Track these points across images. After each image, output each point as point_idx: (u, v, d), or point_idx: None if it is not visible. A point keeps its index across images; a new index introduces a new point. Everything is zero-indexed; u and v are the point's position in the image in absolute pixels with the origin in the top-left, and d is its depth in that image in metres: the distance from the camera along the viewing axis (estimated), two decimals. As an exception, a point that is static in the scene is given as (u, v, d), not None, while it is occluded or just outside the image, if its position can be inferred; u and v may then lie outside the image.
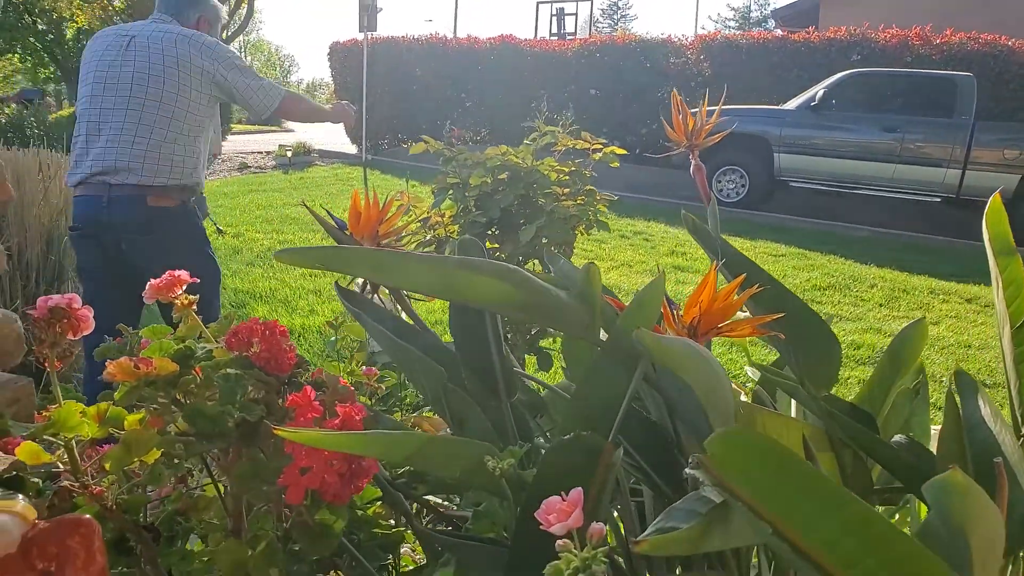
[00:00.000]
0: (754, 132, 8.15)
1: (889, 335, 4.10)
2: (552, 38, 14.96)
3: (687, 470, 0.46)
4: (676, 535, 0.44)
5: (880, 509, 1.01)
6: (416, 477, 1.09)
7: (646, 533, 0.45)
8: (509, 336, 1.96)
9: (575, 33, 16.58)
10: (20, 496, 0.58)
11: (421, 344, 1.01)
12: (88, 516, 0.53)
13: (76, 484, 0.68)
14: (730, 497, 0.44)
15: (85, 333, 0.75)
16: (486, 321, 0.99)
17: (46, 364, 0.72)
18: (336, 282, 1.12)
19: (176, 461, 0.81)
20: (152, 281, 0.81)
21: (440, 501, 1.18)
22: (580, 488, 0.51)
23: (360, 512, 1.08)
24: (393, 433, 0.66)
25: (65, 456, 0.70)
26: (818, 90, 8.03)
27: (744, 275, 0.88)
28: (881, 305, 4.76)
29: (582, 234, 2.00)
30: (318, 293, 4.52)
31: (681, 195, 8.69)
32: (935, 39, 9.01)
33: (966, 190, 7.36)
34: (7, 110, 8.67)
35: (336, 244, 1.08)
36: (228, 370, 0.67)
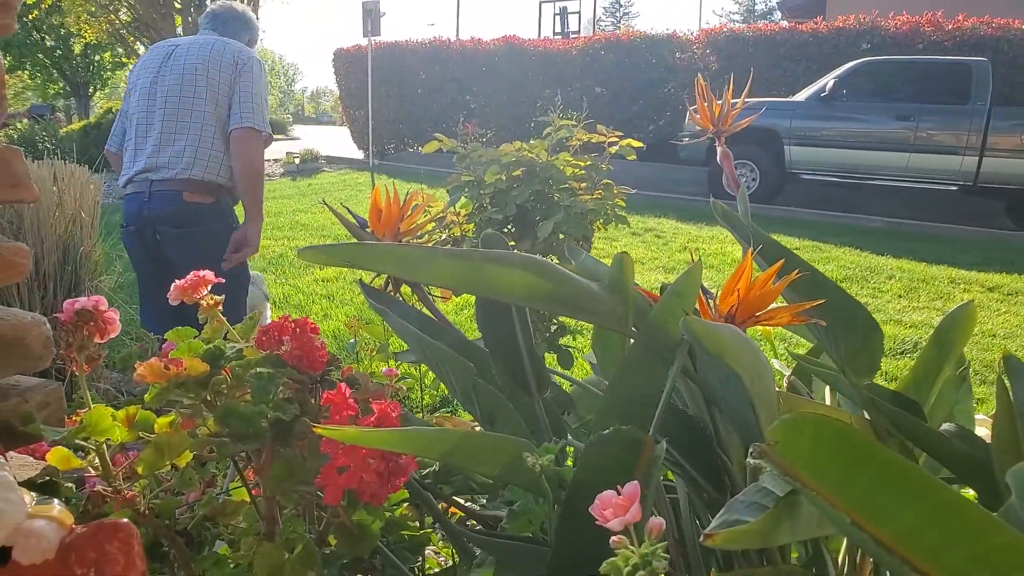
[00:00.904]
0: (764, 125, 8.07)
1: (909, 326, 4.04)
2: (556, 37, 14.95)
3: (749, 459, 0.44)
4: (747, 528, 0.42)
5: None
6: (441, 478, 1.08)
7: (712, 526, 0.43)
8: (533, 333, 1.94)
9: (579, 32, 16.55)
10: (56, 501, 0.56)
11: (448, 341, 0.99)
12: (127, 520, 0.51)
13: (109, 489, 0.67)
14: (800, 487, 0.41)
15: (112, 336, 0.73)
16: (513, 316, 0.97)
17: (74, 367, 0.70)
18: (360, 279, 1.10)
19: (205, 465, 0.79)
20: (177, 282, 0.80)
21: (462, 503, 1.16)
22: (637, 482, 0.49)
23: (389, 514, 1.06)
24: (430, 429, 0.64)
25: (95, 461, 0.69)
26: (828, 81, 7.96)
27: (782, 261, 0.85)
28: (900, 296, 4.70)
29: (600, 228, 1.98)
30: (331, 298, 4.51)
31: (689, 191, 8.64)
32: (947, 25, 8.91)
33: (983, 177, 7.27)
34: (19, 126, 8.74)
35: (358, 241, 1.07)
36: (260, 369, 0.65)
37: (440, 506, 1.06)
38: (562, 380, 1.25)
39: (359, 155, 12.90)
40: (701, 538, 0.42)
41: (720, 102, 1.15)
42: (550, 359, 2.07)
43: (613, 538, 0.48)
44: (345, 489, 0.64)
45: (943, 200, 7.71)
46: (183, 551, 0.71)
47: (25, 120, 8.94)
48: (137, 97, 2.24)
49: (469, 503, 1.16)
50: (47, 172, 2.39)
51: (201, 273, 0.80)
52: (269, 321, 2.55)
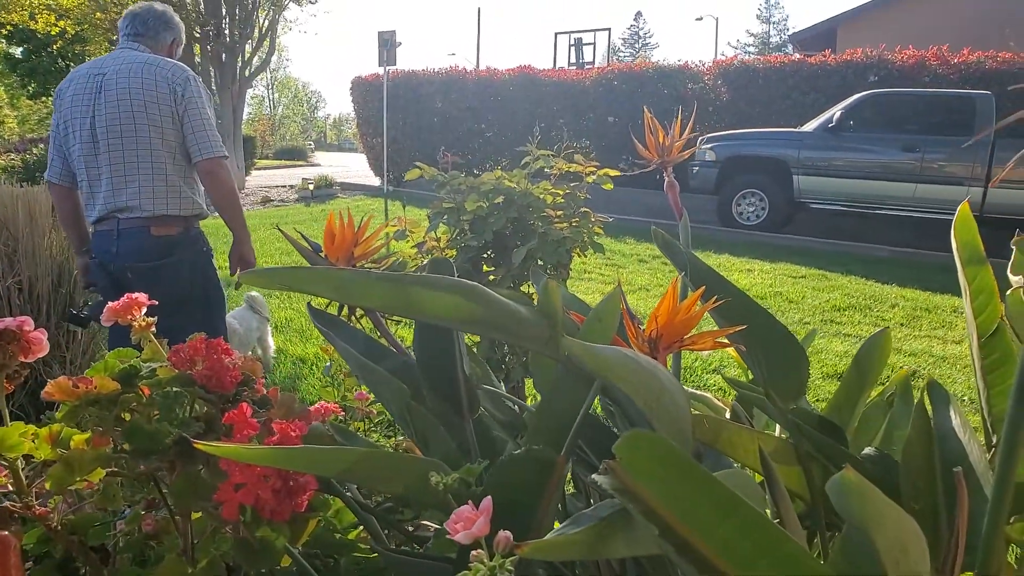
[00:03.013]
0: (772, 155, 8.12)
1: (910, 354, 4.00)
2: (571, 68, 15.12)
3: (593, 476, 0.45)
4: (566, 538, 0.43)
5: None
6: (402, 502, 1.08)
7: (545, 538, 0.44)
8: (508, 359, 1.95)
9: (594, 63, 16.73)
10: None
11: (389, 364, 1.01)
12: (5, 533, 0.53)
13: (19, 504, 0.69)
14: (626, 499, 0.43)
15: (39, 356, 0.76)
16: (451, 339, 0.99)
17: (-4, 384, 0.73)
18: (309, 303, 1.12)
19: (132, 484, 0.81)
20: (109, 304, 0.82)
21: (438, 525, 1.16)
22: (490, 497, 0.50)
23: (339, 536, 1.07)
24: (325, 448, 0.65)
25: (10, 478, 0.71)
26: (836, 112, 7.99)
27: (704, 287, 0.86)
28: (902, 324, 4.66)
29: (578, 255, 2.00)
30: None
31: (701, 219, 8.64)
32: (952, 59, 8.94)
33: (989, 207, 7.23)
34: (35, 150, 8.96)
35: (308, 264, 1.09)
36: (169, 387, 0.67)
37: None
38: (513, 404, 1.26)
39: (375, 181, 13.07)
40: (513, 548, 0.43)
41: (668, 134, 1.17)
42: (529, 382, 2.08)
43: (472, 552, 0.49)
44: (249, 505, 0.65)
45: (949, 230, 7.64)
46: (96, 567, 0.72)
47: (42, 145, 9.17)
48: (77, 135, 2.15)
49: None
50: (44, 196, 2.45)
51: (134, 295, 0.83)
52: (271, 342, 2.57)
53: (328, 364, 1.86)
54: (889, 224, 7.95)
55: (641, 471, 0.45)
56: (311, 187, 11.77)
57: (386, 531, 1.06)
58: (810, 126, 8.28)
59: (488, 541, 0.48)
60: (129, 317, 0.83)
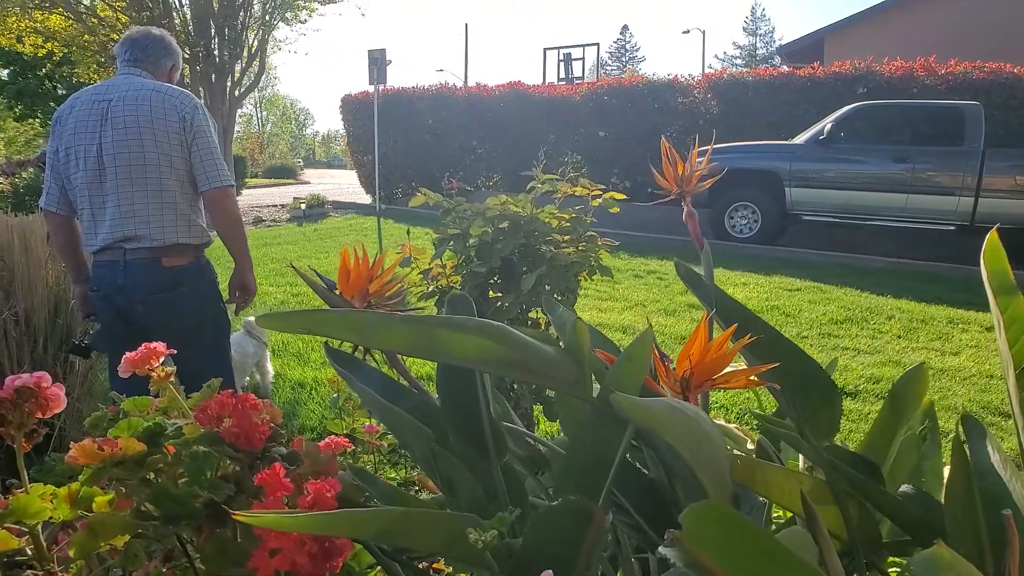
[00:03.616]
0: (764, 168, 8.16)
1: (908, 367, 3.99)
2: (560, 83, 15.21)
3: (660, 549, 0.43)
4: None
5: (895, 560, 0.96)
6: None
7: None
8: (515, 386, 1.93)
9: (583, 77, 16.83)
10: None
11: (410, 405, 0.99)
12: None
13: (41, 573, 0.66)
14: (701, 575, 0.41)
15: (56, 411, 0.73)
16: (475, 380, 0.97)
17: (14, 444, 0.70)
18: (326, 343, 1.10)
19: (156, 541, 0.78)
20: (127, 354, 0.80)
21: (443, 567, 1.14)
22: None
23: (357, 580, 1.04)
24: (361, 511, 0.63)
25: (31, 544, 0.68)
26: (826, 124, 8.05)
27: (736, 324, 0.85)
28: (899, 337, 4.66)
29: (585, 279, 1.98)
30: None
31: (693, 232, 8.65)
32: (940, 69, 9.04)
33: (980, 217, 7.29)
34: (24, 174, 8.89)
35: (326, 306, 1.07)
36: (196, 447, 0.65)
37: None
38: (535, 442, 1.24)
39: (367, 200, 13.05)
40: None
41: (691, 157, 1.16)
42: (537, 410, 2.06)
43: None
44: (282, 572, 0.63)
45: (942, 240, 7.70)
46: (121, 631, 0.69)
47: (31, 169, 9.09)
48: (81, 162, 2.10)
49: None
50: (39, 226, 2.42)
51: (152, 345, 0.81)
52: (270, 368, 2.54)
53: (335, 396, 1.84)
54: (882, 235, 8.00)
55: (711, 545, 0.43)
56: (303, 206, 11.74)
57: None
58: (801, 138, 8.34)
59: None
60: (147, 368, 0.80)
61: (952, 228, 7.53)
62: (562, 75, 16.79)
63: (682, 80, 11.08)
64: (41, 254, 2.35)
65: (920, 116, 7.80)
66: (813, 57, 13.28)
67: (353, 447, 1.58)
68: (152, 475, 0.68)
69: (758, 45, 54.34)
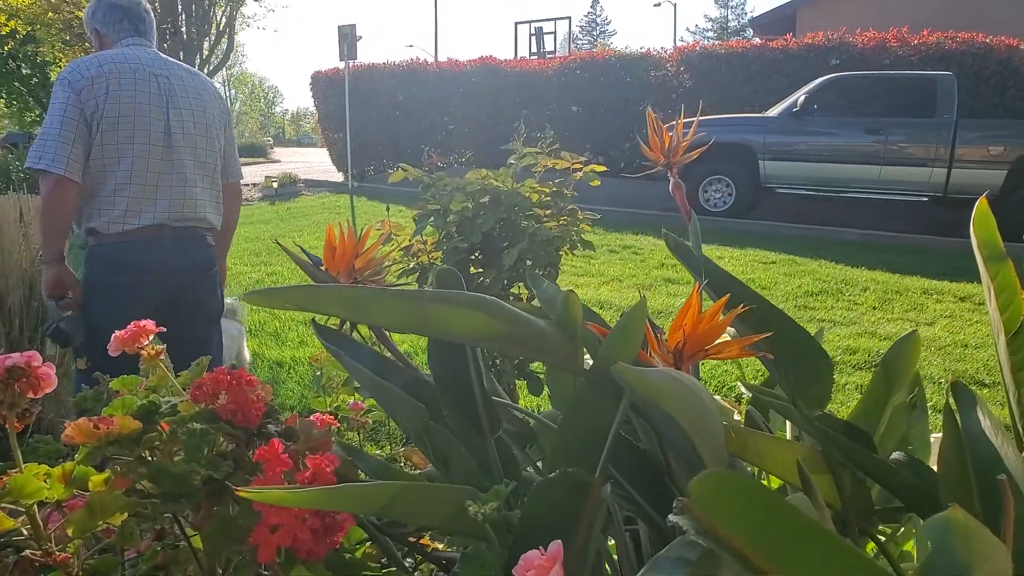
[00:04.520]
0: (738, 141, 8.20)
1: (884, 338, 4.08)
2: (532, 57, 15.08)
3: (671, 517, 0.44)
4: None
5: (883, 528, 0.98)
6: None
7: (630, 589, 0.43)
8: (498, 361, 1.93)
9: (555, 51, 16.70)
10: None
11: (402, 381, 0.98)
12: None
13: (39, 552, 0.65)
14: (716, 543, 0.41)
15: (47, 391, 0.72)
16: (467, 355, 0.97)
17: (6, 425, 0.69)
18: (314, 319, 1.09)
19: (148, 520, 0.77)
20: (116, 333, 0.78)
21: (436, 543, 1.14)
22: (560, 541, 0.48)
23: (348, 556, 1.04)
24: (363, 485, 0.63)
25: (27, 523, 0.67)
26: (799, 96, 8.10)
27: (728, 295, 0.85)
28: (875, 308, 4.75)
29: (566, 253, 1.98)
30: (308, 324, 4.47)
31: (669, 206, 8.70)
32: (912, 40, 9.11)
33: (953, 188, 7.41)
34: (-12, 150, 8.64)
35: (311, 282, 1.06)
36: (193, 424, 0.64)
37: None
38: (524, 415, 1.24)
39: (339, 177, 12.89)
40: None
41: (671, 129, 1.16)
42: (521, 385, 2.07)
43: (542, 597, 0.47)
44: (283, 547, 0.62)
45: (915, 211, 7.83)
46: (120, 612, 0.69)
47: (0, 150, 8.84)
48: (143, 135, 2.00)
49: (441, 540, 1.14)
50: (12, 206, 2.35)
51: (142, 323, 0.79)
52: (247, 354, 2.52)
53: (318, 374, 1.83)
54: (855, 207, 8.11)
55: (724, 512, 0.43)
56: (275, 185, 11.56)
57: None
58: (774, 111, 8.38)
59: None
60: (137, 346, 0.79)
61: (925, 199, 7.65)
62: (534, 49, 16.64)
63: (654, 53, 11.04)
64: (14, 234, 2.29)
65: (893, 87, 7.87)
66: (786, 29, 13.31)
67: (339, 425, 1.57)
68: (147, 454, 0.67)
69: (730, 17, 54.32)
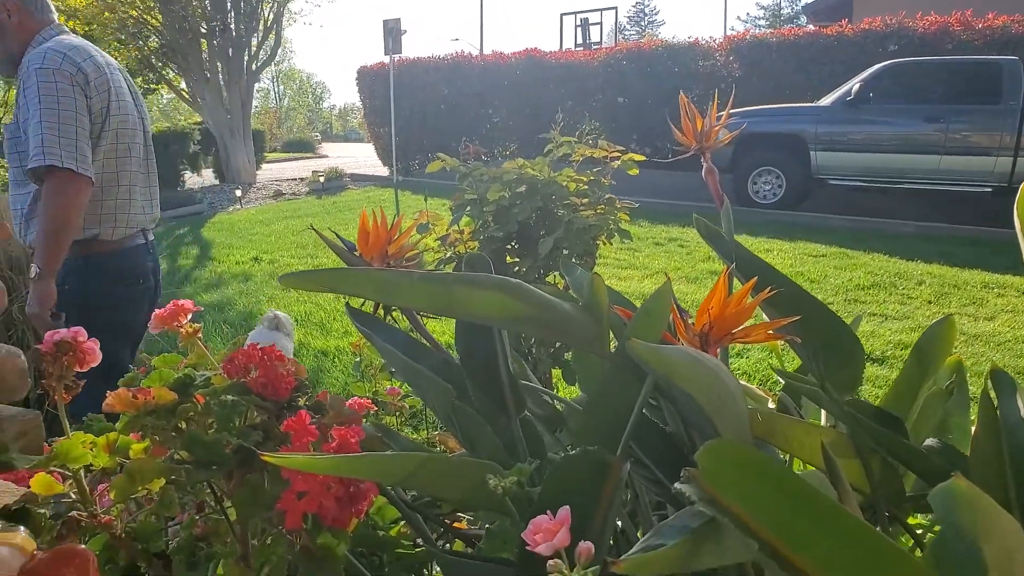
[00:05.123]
0: (788, 131, 8.02)
1: (937, 332, 3.94)
2: (578, 49, 14.99)
3: (676, 485, 0.44)
4: (659, 553, 0.42)
5: (919, 518, 0.97)
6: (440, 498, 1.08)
7: (630, 552, 0.43)
8: (533, 350, 1.94)
9: (601, 42, 16.57)
10: (22, 528, 0.58)
11: (431, 363, 1.00)
12: (83, 547, 0.53)
13: (85, 514, 0.69)
14: (719, 512, 0.41)
15: (92, 365, 0.75)
16: (493, 336, 0.98)
17: (54, 397, 0.73)
18: (347, 303, 1.12)
19: (188, 488, 0.81)
20: (157, 311, 0.82)
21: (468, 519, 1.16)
22: (568, 507, 0.49)
23: (382, 533, 1.07)
24: (386, 455, 0.65)
25: (75, 488, 0.71)
26: (854, 84, 7.86)
27: (756, 278, 0.85)
28: (930, 302, 4.60)
29: (604, 243, 1.98)
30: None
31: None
32: (977, 24, 8.74)
33: (1018, 178, 7.09)
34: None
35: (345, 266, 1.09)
36: (225, 396, 0.67)
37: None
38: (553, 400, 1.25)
39: (384, 171, 13.05)
40: (610, 565, 0.42)
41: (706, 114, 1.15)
42: (556, 374, 2.07)
43: (549, 562, 0.48)
44: (309, 513, 0.65)
45: (977, 202, 7.53)
46: (161, 573, 0.72)
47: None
48: (139, 136, 1.97)
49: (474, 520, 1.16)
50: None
51: (180, 301, 0.83)
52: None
53: (358, 360, 1.86)
54: (911, 198, 7.84)
55: (726, 482, 0.43)
56: (322, 179, 11.77)
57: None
58: (827, 100, 8.16)
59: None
60: (176, 323, 0.82)
61: (988, 190, 7.35)
62: (579, 41, 16.54)
63: (703, 43, 10.86)
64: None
65: (955, 73, 7.56)
66: (841, 14, 12.91)
67: (376, 409, 1.60)
68: (183, 424, 0.70)
69: (783, 4, 52.95)
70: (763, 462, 0.42)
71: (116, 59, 2.30)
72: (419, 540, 1.07)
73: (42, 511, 0.67)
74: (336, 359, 3.79)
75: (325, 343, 4.03)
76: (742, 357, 3.64)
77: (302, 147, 28.67)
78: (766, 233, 6.81)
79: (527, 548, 0.62)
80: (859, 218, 7.56)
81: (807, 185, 8.12)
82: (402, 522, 1.06)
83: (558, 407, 1.18)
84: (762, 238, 6.62)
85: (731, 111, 1.19)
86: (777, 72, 9.81)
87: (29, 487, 0.70)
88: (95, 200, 1.87)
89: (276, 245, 6.88)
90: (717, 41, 10.89)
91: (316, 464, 0.57)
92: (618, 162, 1.97)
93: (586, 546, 0.45)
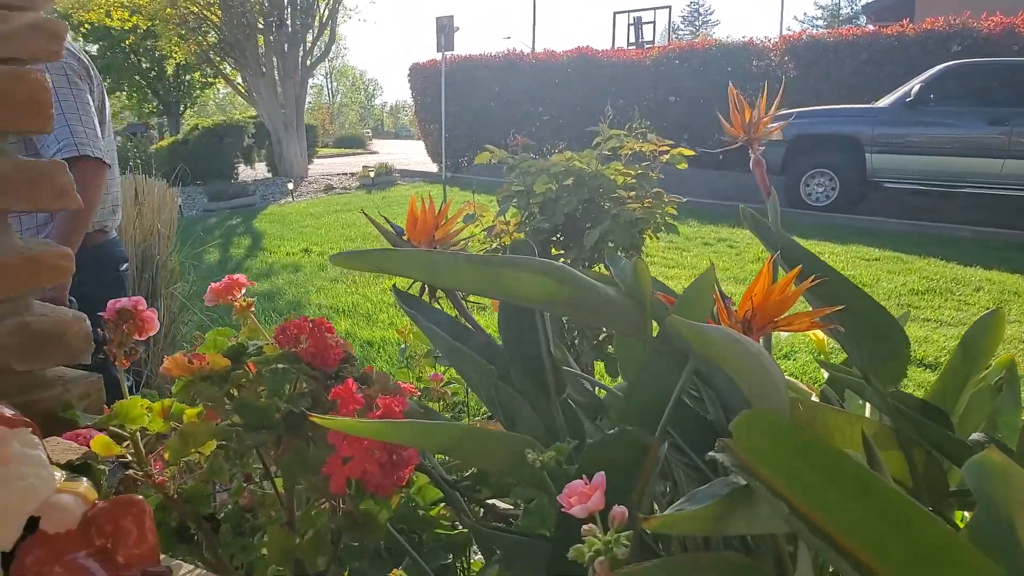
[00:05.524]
0: (844, 132, 7.82)
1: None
2: (630, 48, 14.88)
3: (710, 453, 0.45)
4: (686, 513, 0.42)
5: (965, 514, 0.94)
6: (480, 480, 1.10)
7: (665, 513, 0.44)
8: (576, 342, 1.95)
9: (654, 42, 16.41)
10: (84, 479, 0.62)
11: (474, 344, 1.02)
12: (140, 497, 0.56)
13: (140, 474, 0.72)
14: (751, 478, 0.42)
15: (151, 333, 0.79)
16: (536, 321, 0.99)
17: (115, 361, 0.77)
18: (394, 286, 1.14)
19: (236, 458, 0.84)
20: (212, 285, 0.86)
21: (509, 506, 1.18)
22: (603, 472, 0.50)
23: (422, 512, 1.09)
24: (429, 422, 0.67)
25: (132, 449, 0.75)
26: (914, 85, 7.62)
27: (800, 267, 0.84)
28: (988, 309, 4.44)
29: (651, 237, 1.97)
30: (398, 307, 4.63)
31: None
32: (1045, 24, 8.40)
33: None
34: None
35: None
36: (276, 365, 0.69)
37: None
38: (594, 386, 1.26)
39: (434, 168, 13.17)
40: (640, 521, 0.43)
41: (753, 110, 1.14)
42: (599, 367, 2.08)
43: (584, 527, 0.49)
44: (353, 479, 0.67)
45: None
46: (210, 535, 0.76)
47: (120, 138, 9.58)
48: (110, 122, 1.97)
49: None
50: (128, 187, 2.55)
51: (235, 276, 0.86)
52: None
53: (403, 346, 1.90)
54: (970, 202, 7.58)
55: (760, 450, 0.44)
56: (371, 174, 11.94)
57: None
58: (885, 101, 7.93)
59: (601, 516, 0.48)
60: (230, 297, 0.86)
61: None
62: (632, 40, 16.41)
63: (757, 42, 10.67)
64: (130, 212, 2.49)
65: (1021, 75, 7.28)
66: (903, 14, 12.53)
67: (419, 393, 1.63)
68: (235, 391, 0.73)
69: (842, 4, 51.58)
70: (797, 430, 0.43)
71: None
72: (458, 524, 1.10)
73: (102, 468, 0.71)
74: (381, 349, 3.85)
75: (371, 333, 4.10)
76: (789, 359, 3.57)
77: (353, 143, 29.11)
78: (817, 236, 6.66)
79: (563, 513, 0.63)
80: (915, 222, 7.34)
81: (862, 188, 7.92)
82: (442, 504, 1.09)
83: (600, 393, 1.19)
84: (813, 240, 6.47)
85: (784, 111, 1.18)
86: (834, 73, 9.58)
87: (87, 447, 0.74)
88: (104, 192, 1.91)
89: (326, 237, 7.01)
90: (772, 41, 10.68)
91: (361, 427, 0.59)
92: (667, 156, 1.96)
93: (620, 510, 0.46)
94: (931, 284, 4.98)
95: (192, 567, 0.64)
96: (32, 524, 0.56)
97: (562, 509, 0.50)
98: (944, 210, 7.67)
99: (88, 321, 0.74)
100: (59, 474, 0.59)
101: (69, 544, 0.55)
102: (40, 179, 0.69)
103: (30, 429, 0.61)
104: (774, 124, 1.09)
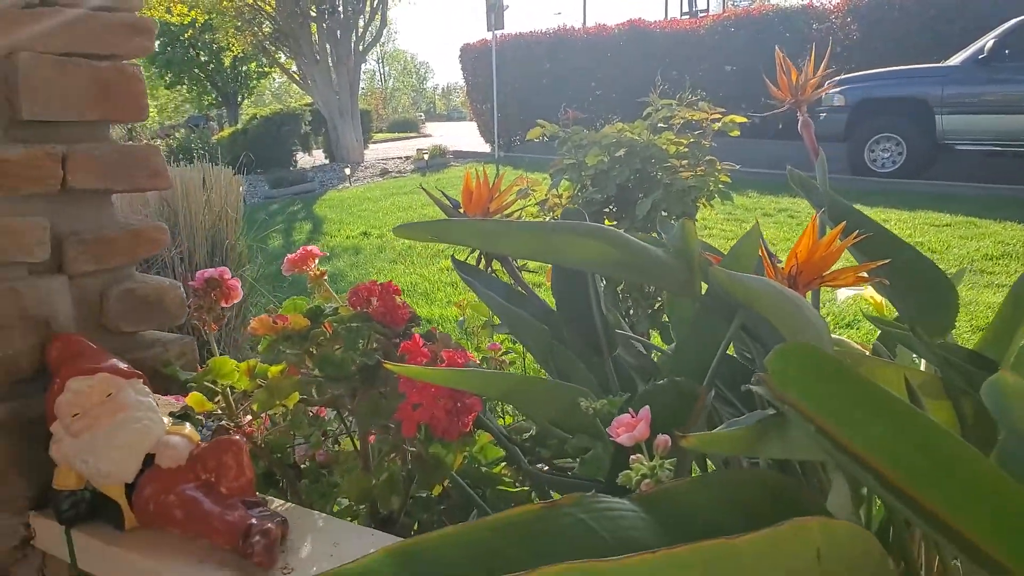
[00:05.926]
0: (911, 94, 7.51)
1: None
2: (684, 17, 14.56)
3: (745, 386, 0.49)
4: (723, 433, 0.46)
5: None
6: (539, 442, 1.16)
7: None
8: (631, 311, 1.98)
9: (707, 10, 16.01)
10: (188, 423, 0.70)
11: (529, 308, 1.07)
12: (238, 438, 0.63)
13: (232, 425, 0.80)
14: (786, 407, 0.46)
15: (235, 301, 0.87)
16: (588, 284, 1.04)
17: (204, 326, 0.85)
18: (453, 256, 1.20)
19: (313, 413, 0.92)
20: (288, 256, 0.93)
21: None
22: (649, 406, 0.55)
23: (485, 470, 1.16)
24: (488, 371, 0.72)
25: (223, 403, 0.83)
26: (987, 40, 7.23)
27: (845, 223, 0.86)
28: (1065, 273, 4.25)
29: (704, 205, 1.98)
30: (455, 286, 4.72)
31: (829, 168, 8.15)
32: None
33: None
34: (177, 135, 9.76)
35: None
36: (351, 323, 0.76)
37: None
38: (645, 347, 1.30)
39: (486, 148, 13.22)
40: (678, 439, 0.47)
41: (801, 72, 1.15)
42: (655, 337, 2.10)
43: (631, 457, 0.54)
44: (422, 425, 0.74)
45: None
46: (292, 480, 0.84)
47: (182, 130, 9.97)
48: None
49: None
50: (197, 175, 2.69)
51: (309, 247, 0.93)
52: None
53: (462, 319, 1.97)
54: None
55: (794, 380, 0.48)
56: (426, 157, 12.07)
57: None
58: (956, 59, 7.56)
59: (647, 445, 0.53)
60: (305, 267, 0.93)
61: None
62: (685, 9, 16.05)
63: (817, 5, 10.31)
64: (199, 198, 2.63)
65: (1102, 26, 6.84)
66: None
67: (478, 361, 1.70)
68: (314, 349, 0.80)
69: (909, -39, 48.96)
70: (828, 360, 0.46)
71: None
72: (517, 484, 1.16)
73: (199, 417, 0.79)
74: (440, 326, 3.95)
75: (430, 311, 4.20)
76: (852, 328, 3.51)
77: (406, 127, 29.37)
78: (883, 203, 6.44)
79: (615, 457, 0.68)
80: (989, 185, 7.01)
81: (931, 152, 7.59)
82: (503, 463, 1.15)
83: (653, 356, 1.23)
84: (879, 208, 6.27)
85: (846, 76, 1.18)
86: (900, 33, 9.17)
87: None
88: None
89: (383, 220, 7.17)
90: (833, 3, 10.30)
91: (430, 374, 0.65)
92: (719, 123, 1.96)
93: (663, 438, 0.51)
94: (1007, 248, 4.78)
95: (283, 502, 0.71)
96: (148, 460, 0.64)
97: (611, 439, 0.55)
98: (1021, 172, 7.30)
99: (182, 288, 0.82)
100: (167, 419, 0.68)
101: (179, 477, 0.64)
102: (138, 162, 0.77)
103: (142, 380, 0.69)
104: (825, 87, 1.10)
